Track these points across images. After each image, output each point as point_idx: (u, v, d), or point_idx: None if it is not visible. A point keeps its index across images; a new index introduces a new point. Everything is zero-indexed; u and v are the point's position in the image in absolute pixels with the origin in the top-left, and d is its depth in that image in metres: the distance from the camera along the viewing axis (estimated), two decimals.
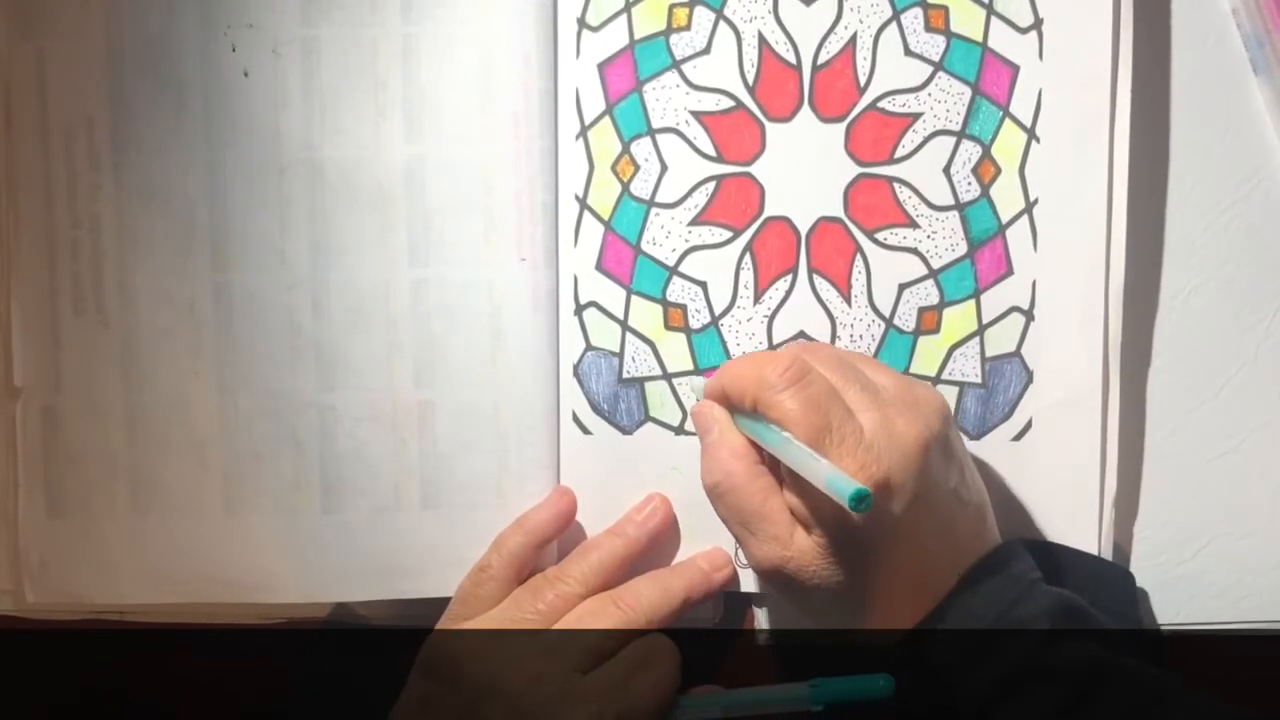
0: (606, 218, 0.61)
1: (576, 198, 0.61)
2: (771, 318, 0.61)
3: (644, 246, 0.61)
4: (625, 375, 0.61)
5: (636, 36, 0.60)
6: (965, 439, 0.60)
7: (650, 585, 0.58)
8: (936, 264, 0.60)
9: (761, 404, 0.53)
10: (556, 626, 0.56)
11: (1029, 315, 0.60)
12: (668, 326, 0.61)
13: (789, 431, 0.51)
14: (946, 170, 0.60)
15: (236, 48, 0.60)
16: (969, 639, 0.52)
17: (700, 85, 0.60)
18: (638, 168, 0.61)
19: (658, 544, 0.60)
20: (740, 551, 0.56)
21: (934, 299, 0.60)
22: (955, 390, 0.60)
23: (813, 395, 0.52)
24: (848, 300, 0.60)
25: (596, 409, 0.61)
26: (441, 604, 0.59)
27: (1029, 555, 0.55)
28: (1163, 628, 0.62)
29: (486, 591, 0.58)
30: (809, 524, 0.52)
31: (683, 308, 0.61)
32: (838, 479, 0.48)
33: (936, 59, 0.60)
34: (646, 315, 0.61)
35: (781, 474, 0.54)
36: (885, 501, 0.50)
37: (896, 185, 0.60)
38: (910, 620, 0.52)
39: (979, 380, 0.60)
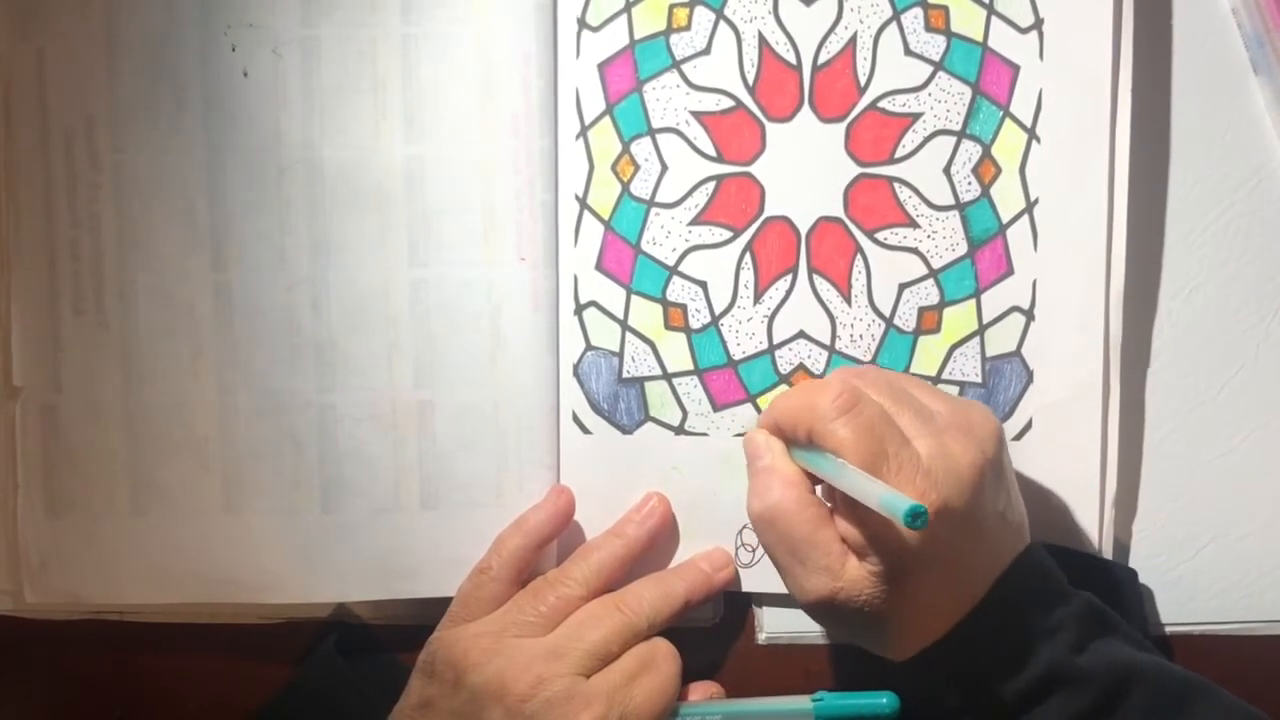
0: (606, 217, 0.61)
1: (576, 198, 0.61)
2: (771, 317, 0.61)
3: (644, 246, 0.61)
4: (625, 375, 0.61)
5: (636, 36, 0.60)
6: None
7: (651, 587, 0.58)
8: (937, 264, 0.60)
9: (815, 434, 0.52)
10: (559, 629, 0.56)
11: (1029, 315, 0.60)
12: (668, 326, 0.61)
13: (844, 459, 0.51)
14: (947, 170, 0.60)
15: (236, 48, 0.60)
16: (1000, 646, 0.52)
17: (700, 85, 0.60)
18: (638, 168, 0.61)
19: (657, 544, 0.60)
20: (782, 579, 0.55)
21: (934, 299, 0.60)
22: (955, 390, 0.60)
23: (866, 422, 0.51)
24: (848, 300, 0.60)
25: (596, 409, 0.61)
26: (442, 604, 0.59)
27: (1052, 559, 0.54)
28: (1163, 628, 0.62)
29: (487, 593, 0.58)
30: (863, 551, 0.51)
31: (683, 307, 0.61)
32: (892, 497, 0.48)
33: (937, 59, 0.60)
34: (646, 315, 0.61)
35: (835, 504, 0.53)
36: (940, 526, 0.50)
37: (897, 185, 0.60)
38: (942, 629, 0.52)
39: (979, 380, 0.60)
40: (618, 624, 0.56)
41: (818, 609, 0.53)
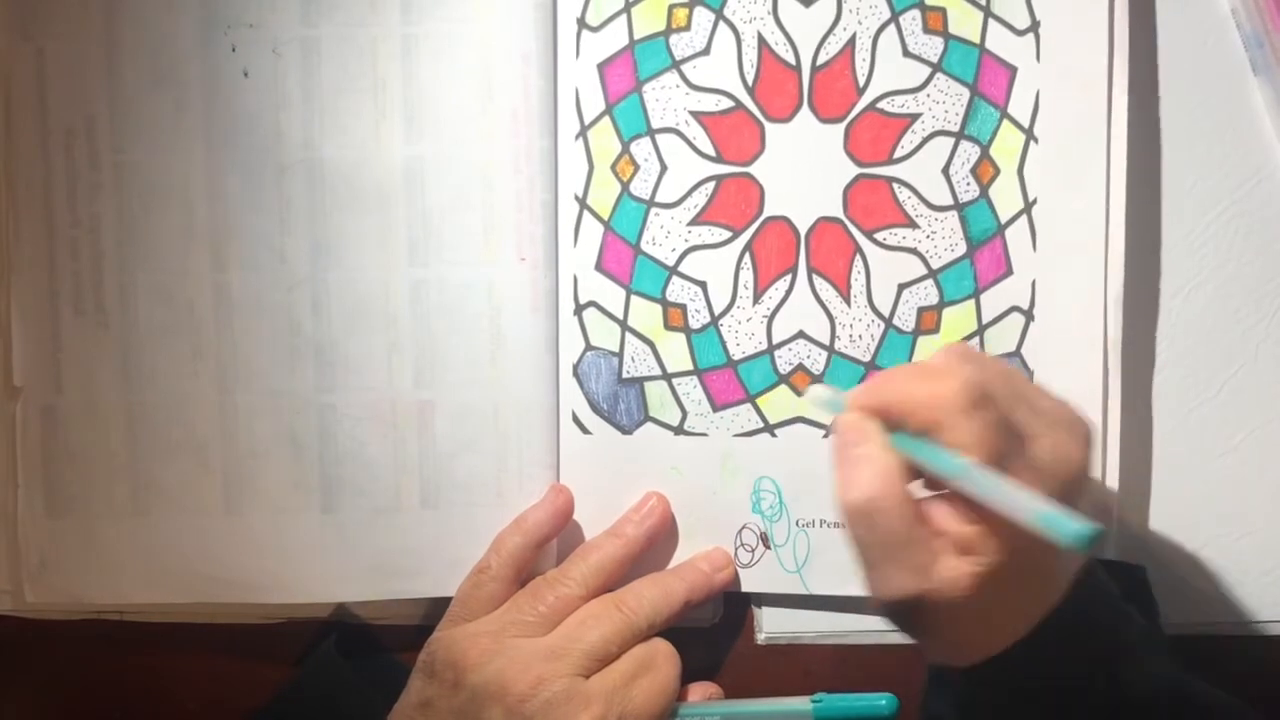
0: (606, 218, 0.61)
1: (576, 198, 0.61)
2: (771, 318, 0.61)
3: (644, 246, 0.61)
4: (625, 375, 0.61)
5: (636, 37, 0.60)
6: None
7: (651, 586, 0.58)
8: (936, 264, 0.60)
9: (937, 426, 0.47)
10: (558, 629, 0.56)
11: (1028, 315, 0.60)
12: (667, 326, 0.61)
13: (969, 457, 0.46)
14: (945, 170, 0.60)
15: (236, 48, 0.60)
16: (1069, 657, 0.50)
17: (700, 85, 0.60)
18: (637, 168, 0.61)
19: (656, 544, 0.60)
20: (863, 573, 0.50)
21: (933, 299, 0.60)
22: None
23: (995, 419, 0.47)
24: (847, 300, 0.61)
25: (596, 409, 0.61)
26: (442, 604, 0.59)
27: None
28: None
29: (486, 593, 0.58)
30: (969, 549, 0.47)
31: (682, 307, 0.61)
32: (1057, 517, 0.43)
33: (935, 60, 0.60)
34: (646, 315, 0.61)
35: (942, 497, 0.49)
36: None
37: (896, 185, 0.60)
38: (1015, 636, 0.49)
39: None
40: (617, 624, 0.56)
41: (900, 608, 0.49)
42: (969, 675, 0.50)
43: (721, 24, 0.60)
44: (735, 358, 0.61)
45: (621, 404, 0.61)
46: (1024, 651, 0.49)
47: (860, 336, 0.61)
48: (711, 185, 0.61)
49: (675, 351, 0.61)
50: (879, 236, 0.60)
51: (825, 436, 0.61)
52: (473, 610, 0.58)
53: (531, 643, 0.55)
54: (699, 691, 0.58)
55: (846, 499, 0.49)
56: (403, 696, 0.57)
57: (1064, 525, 0.43)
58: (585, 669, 0.55)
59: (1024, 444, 0.47)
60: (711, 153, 0.60)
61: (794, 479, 0.61)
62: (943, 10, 0.60)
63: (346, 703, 0.60)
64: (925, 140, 0.60)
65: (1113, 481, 0.60)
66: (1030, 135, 0.59)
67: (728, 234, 0.61)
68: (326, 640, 0.61)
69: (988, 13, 0.59)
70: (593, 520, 0.61)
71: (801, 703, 0.55)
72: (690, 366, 0.61)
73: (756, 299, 0.61)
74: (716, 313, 0.61)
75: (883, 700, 0.53)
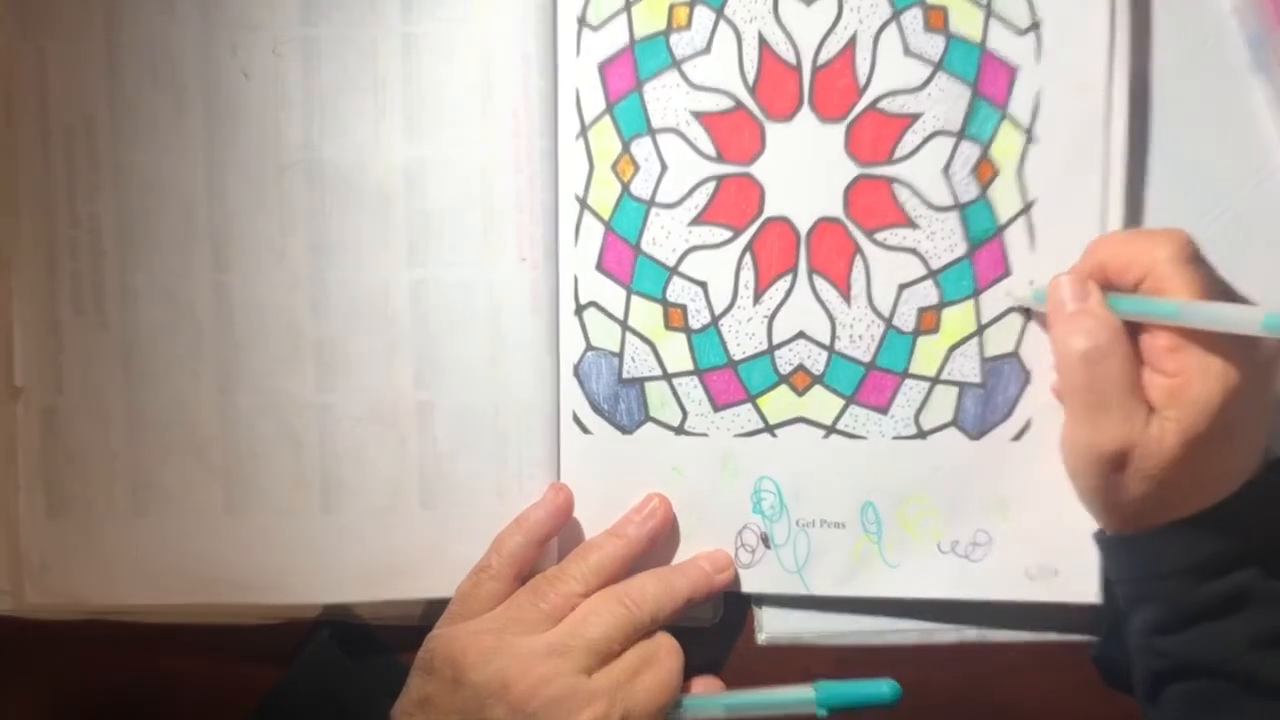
0: (607, 218, 0.61)
1: (576, 198, 0.61)
2: (771, 318, 0.61)
3: (644, 246, 0.61)
4: (625, 375, 0.61)
5: (637, 36, 0.60)
6: (965, 439, 0.60)
7: (654, 581, 0.58)
8: (936, 264, 0.60)
9: (1158, 276, 0.53)
10: (560, 625, 0.56)
11: (1027, 315, 0.60)
12: (668, 326, 0.61)
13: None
14: (945, 171, 0.60)
15: (237, 48, 0.60)
16: (1232, 541, 0.53)
17: (700, 85, 0.60)
18: (638, 168, 0.61)
19: (657, 545, 0.60)
20: (1072, 429, 0.55)
21: (934, 299, 0.60)
22: (955, 390, 0.60)
23: (1208, 276, 0.52)
24: (847, 300, 0.61)
25: (596, 409, 0.61)
26: (442, 604, 0.59)
27: None
28: None
29: (487, 591, 0.58)
30: (1166, 402, 0.52)
31: (683, 308, 0.61)
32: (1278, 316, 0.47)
33: (936, 59, 0.60)
34: (646, 315, 0.61)
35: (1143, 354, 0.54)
36: (1239, 397, 0.51)
37: (896, 186, 0.60)
38: (1189, 509, 0.53)
39: (978, 380, 0.60)
40: (620, 619, 0.56)
41: (1105, 462, 0.53)
42: (1150, 538, 0.54)
43: (722, 23, 0.60)
44: (736, 358, 0.61)
45: (622, 404, 0.61)
46: (1195, 525, 0.53)
47: (861, 336, 0.61)
48: (712, 185, 0.61)
49: (676, 351, 0.61)
50: (879, 237, 0.60)
51: (825, 436, 0.61)
52: (472, 609, 0.58)
53: (533, 640, 0.55)
54: (701, 686, 0.58)
55: (1070, 347, 0.54)
56: (403, 694, 0.57)
57: None
58: (588, 666, 0.55)
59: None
60: (712, 153, 0.60)
61: (794, 479, 0.61)
62: (944, 9, 0.60)
63: (344, 692, 0.60)
64: (926, 140, 0.60)
65: None
66: (1030, 136, 0.59)
67: (728, 234, 0.61)
68: (320, 632, 0.61)
69: (989, 12, 0.59)
70: (593, 520, 0.61)
71: (804, 690, 0.55)
72: (691, 366, 0.61)
73: (757, 299, 0.61)
74: (717, 313, 0.61)
75: (885, 686, 0.54)
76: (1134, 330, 0.54)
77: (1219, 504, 0.53)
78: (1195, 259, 0.53)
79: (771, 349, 0.61)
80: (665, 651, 0.57)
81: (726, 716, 0.56)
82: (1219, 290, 0.53)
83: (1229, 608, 0.53)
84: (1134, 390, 0.53)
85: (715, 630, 0.62)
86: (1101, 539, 0.57)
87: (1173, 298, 0.52)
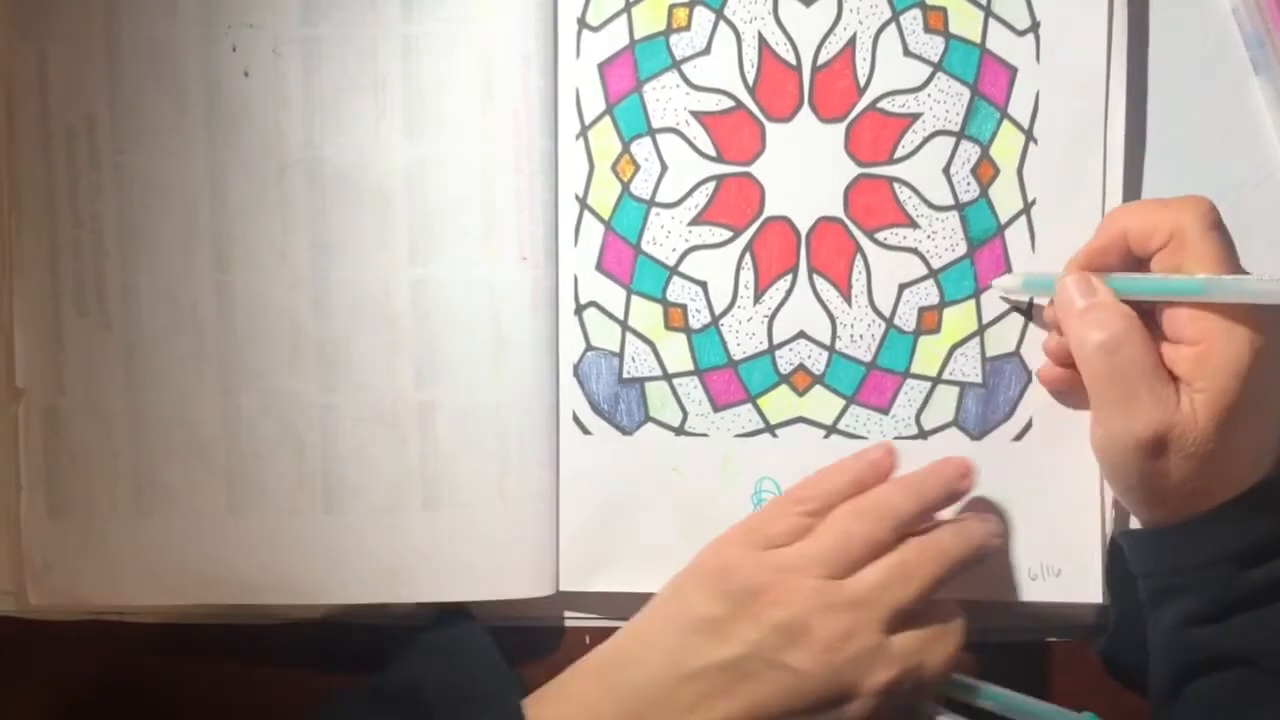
0: (607, 217, 0.61)
1: (576, 197, 0.61)
2: (772, 318, 0.61)
3: (644, 246, 0.61)
4: (625, 375, 0.61)
5: (636, 36, 0.60)
6: (966, 439, 0.60)
7: (952, 536, 0.56)
8: (936, 264, 0.60)
9: (1180, 241, 0.53)
10: (867, 577, 0.54)
11: (1028, 315, 0.60)
12: (668, 326, 0.61)
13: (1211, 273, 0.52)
14: (946, 170, 0.60)
15: (237, 48, 0.60)
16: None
17: (700, 85, 0.60)
18: (638, 167, 0.61)
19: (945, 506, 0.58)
20: (1104, 420, 0.55)
21: (934, 299, 0.61)
22: (956, 390, 0.60)
23: (1230, 243, 0.53)
24: (848, 300, 0.61)
25: (596, 409, 0.61)
26: (442, 606, 0.59)
27: None
28: None
29: (793, 524, 0.55)
30: (1192, 375, 0.52)
31: (683, 308, 0.61)
32: None
33: (935, 60, 0.60)
34: (646, 315, 0.61)
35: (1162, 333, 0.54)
36: (1269, 365, 0.52)
37: (896, 185, 0.60)
38: (1226, 495, 0.53)
39: (979, 380, 0.60)
40: (925, 582, 0.54)
41: (1144, 450, 0.53)
42: (1192, 525, 0.54)
43: (722, 24, 0.60)
44: (736, 358, 0.61)
45: (622, 404, 0.61)
46: (1232, 509, 0.53)
47: (861, 336, 0.61)
48: (712, 185, 0.61)
49: (676, 352, 0.61)
50: (880, 236, 0.60)
51: (826, 436, 0.61)
52: (772, 538, 0.55)
53: (839, 588, 0.53)
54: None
55: (1090, 340, 0.54)
56: (672, 601, 0.55)
57: None
58: (890, 624, 0.53)
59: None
60: (712, 152, 0.60)
61: (794, 479, 0.60)
62: (943, 10, 0.60)
63: (480, 685, 0.58)
64: (926, 140, 0.60)
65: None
66: (1030, 136, 0.60)
67: (728, 234, 0.61)
68: (465, 621, 0.60)
69: (988, 13, 0.59)
70: (593, 521, 0.61)
71: (1077, 716, 0.55)
72: (691, 367, 0.61)
73: (757, 299, 0.61)
74: (717, 313, 0.61)
75: None
76: (1146, 312, 0.54)
77: (1259, 484, 0.53)
78: (1219, 225, 0.53)
79: (772, 349, 0.61)
80: (954, 629, 0.55)
81: (994, 709, 0.56)
82: (1237, 259, 0.53)
83: (1272, 595, 0.52)
84: (1158, 372, 0.53)
85: None
86: (1132, 536, 0.57)
87: (1195, 273, 0.52)
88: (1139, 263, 0.56)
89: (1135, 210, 0.56)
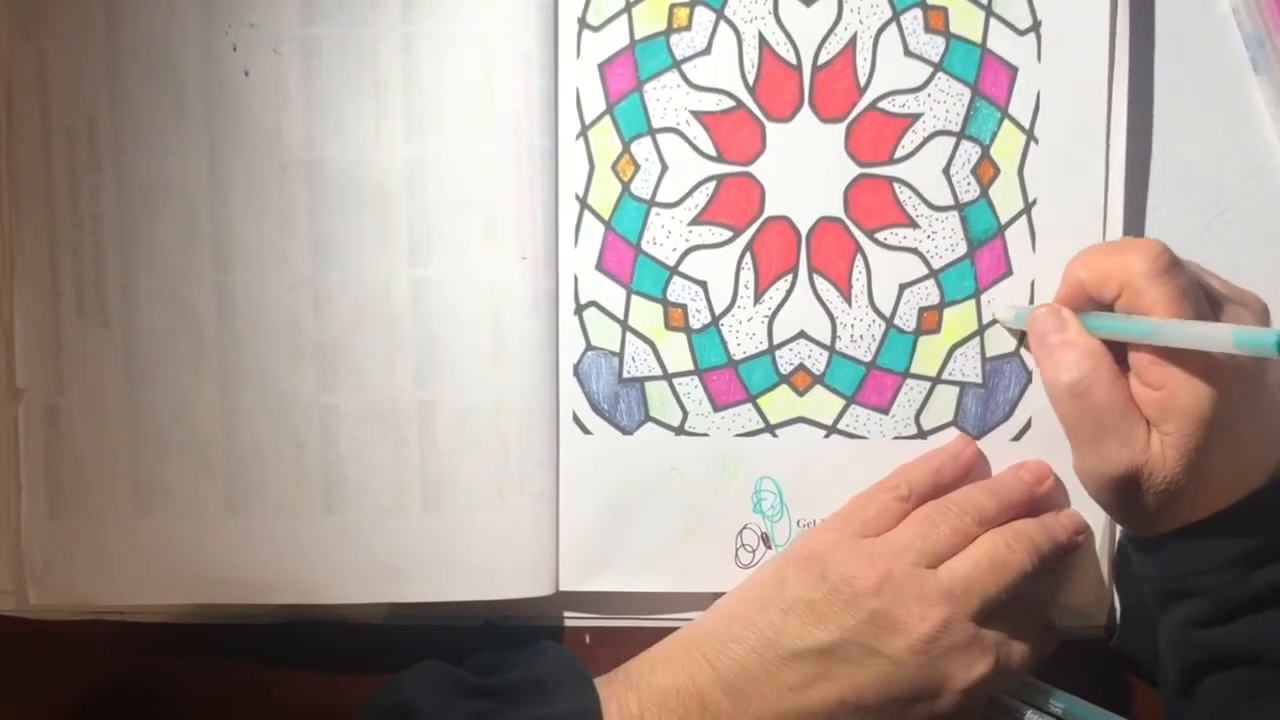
0: (607, 217, 0.61)
1: (577, 197, 0.61)
2: (772, 318, 0.61)
3: (644, 246, 0.61)
4: (625, 375, 0.61)
5: (637, 36, 0.60)
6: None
7: (1040, 531, 0.58)
8: (937, 264, 0.60)
9: (1132, 290, 0.52)
10: (957, 569, 0.55)
11: (1022, 337, 0.60)
12: (668, 326, 0.61)
13: (1162, 318, 0.51)
14: (946, 171, 0.60)
15: (237, 48, 0.60)
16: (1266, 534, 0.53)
17: (701, 85, 0.60)
18: (638, 167, 0.61)
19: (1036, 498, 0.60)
20: (1079, 459, 0.55)
21: (934, 299, 0.61)
22: (955, 390, 0.61)
23: (1187, 285, 0.52)
24: (848, 300, 0.61)
25: (596, 409, 0.61)
26: (443, 606, 0.59)
27: None
28: None
29: (888, 510, 0.57)
30: (1161, 417, 0.52)
31: (683, 307, 0.61)
32: (1252, 334, 0.47)
33: (936, 60, 0.60)
34: (647, 315, 0.61)
35: (1130, 371, 0.54)
36: (1236, 392, 0.51)
37: (896, 185, 0.60)
38: (1212, 508, 0.53)
39: (979, 380, 0.60)
40: (1013, 575, 0.56)
41: (1118, 485, 0.53)
42: (1189, 536, 0.53)
43: (722, 24, 0.60)
44: (736, 358, 0.61)
45: (622, 404, 0.61)
46: (1224, 521, 0.53)
47: (861, 336, 0.61)
48: (712, 185, 0.61)
49: (676, 351, 0.61)
50: (880, 236, 0.60)
51: (826, 436, 0.61)
52: (868, 525, 0.57)
53: (933, 578, 0.55)
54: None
55: (1059, 381, 0.54)
56: (768, 585, 0.56)
57: (1259, 338, 0.46)
58: (981, 615, 0.55)
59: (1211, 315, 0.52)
60: (712, 152, 0.60)
61: (794, 479, 0.61)
62: (944, 9, 0.60)
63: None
64: (926, 140, 0.60)
65: None
66: (1031, 136, 0.60)
67: (728, 234, 0.61)
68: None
69: (989, 12, 0.59)
70: (593, 522, 0.61)
71: None
72: (691, 366, 0.61)
73: (757, 299, 0.61)
74: (717, 313, 0.61)
75: None
76: (1120, 345, 0.54)
77: (1257, 492, 0.53)
78: (1170, 269, 0.52)
79: (772, 349, 0.61)
80: (1037, 619, 0.58)
81: (1051, 711, 0.57)
82: (1197, 299, 0.52)
83: (1276, 598, 0.52)
84: (1127, 411, 0.53)
85: None
86: (1135, 542, 0.57)
87: (1147, 316, 0.52)
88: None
89: (1088, 258, 0.55)
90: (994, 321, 0.60)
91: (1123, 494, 0.54)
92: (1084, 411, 0.54)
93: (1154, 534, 0.55)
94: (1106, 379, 0.53)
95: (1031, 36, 0.59)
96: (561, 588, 0.61)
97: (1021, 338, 0.60)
